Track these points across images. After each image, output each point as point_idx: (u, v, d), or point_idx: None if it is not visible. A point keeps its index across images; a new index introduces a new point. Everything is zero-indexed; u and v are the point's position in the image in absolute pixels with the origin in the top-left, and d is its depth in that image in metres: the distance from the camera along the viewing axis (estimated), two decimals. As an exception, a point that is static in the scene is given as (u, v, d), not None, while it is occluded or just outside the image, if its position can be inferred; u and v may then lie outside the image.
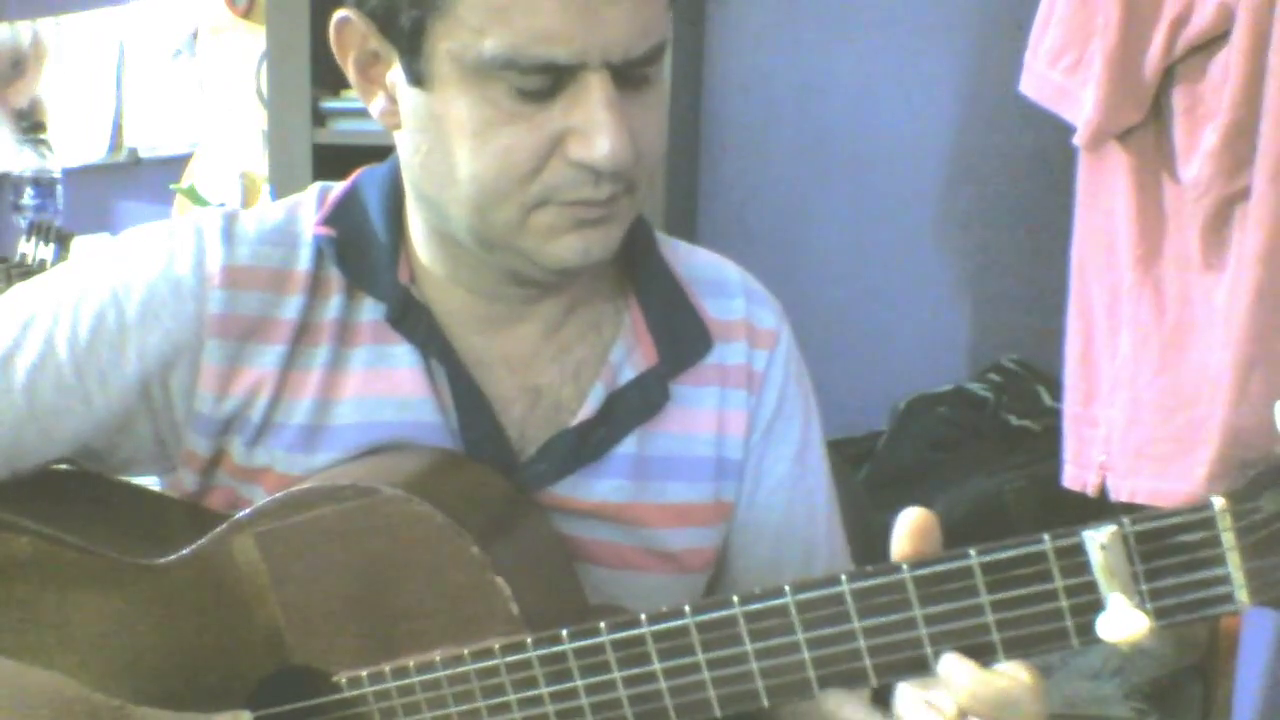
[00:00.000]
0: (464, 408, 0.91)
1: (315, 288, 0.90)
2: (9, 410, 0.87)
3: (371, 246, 0.91)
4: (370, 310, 0.91)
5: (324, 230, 0.91)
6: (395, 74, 0.84)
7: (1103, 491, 1.52)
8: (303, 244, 0.91)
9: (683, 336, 0.96)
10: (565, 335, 0.95)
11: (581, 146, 0.79)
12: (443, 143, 0.82)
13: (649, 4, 0.79)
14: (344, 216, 0.92)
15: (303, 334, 0.90)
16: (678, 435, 0.96)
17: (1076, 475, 1.56)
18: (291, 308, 0.89)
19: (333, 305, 0.91)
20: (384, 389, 0.90)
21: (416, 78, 0.81)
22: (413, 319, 0.90)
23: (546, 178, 0.81)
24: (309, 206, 0.94)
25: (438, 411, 0.91)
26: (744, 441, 0.98)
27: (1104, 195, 1.50)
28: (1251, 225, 1.31)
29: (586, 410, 0.93)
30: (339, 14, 0.84)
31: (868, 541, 1.91)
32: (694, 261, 1.02)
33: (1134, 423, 1.47)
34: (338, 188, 0.95)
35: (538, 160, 0.80)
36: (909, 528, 0.68)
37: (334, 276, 0.91)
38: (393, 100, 0.85)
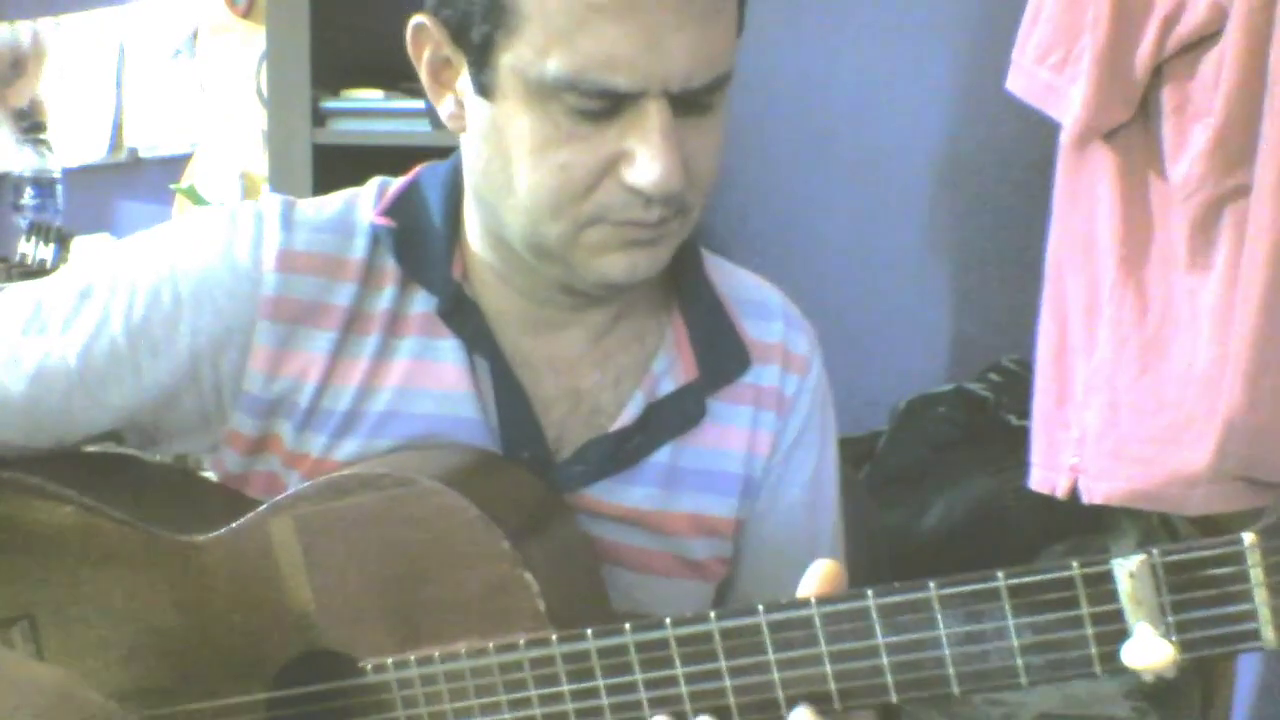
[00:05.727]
0: (505, 405, 0.92)
1: (369, 276, 0.92)
2: (61, 375, 0.89)
3: (428, 240, 0.93)
4: (422, 302, 0.92)
5: (384, 221, 0.93)
6: (464, 81, 0.85)
7: (1073, 494, 1.50)
8: (359, 233, 0.93)
9: (722, 354, 0.98)
10: (609, 342, 0.96)
11: (633, 171, 0.81)
12: (503, 153, 0.83)
13: (715, 37, 0.81)
14: (404, 209, 0.94)
15: (354, 321, 0.91)
16: (710, 450, 0.97)
17: (1045, 478, 1.54)
18: (345, 294, 0.91)
19: (385, 295, 0.92)
20: (427, 381, 0.92)
21: (482, 88, 0.83)
22: (462, 314, 0.92)
23: (599, 197, 0.83)
24: (367, 198, 0.95)
25: (478, 407, 0.92)
26: (766, 463, 1.00)
27: (1084, 194, 1.49)
28: (1256, 227, 1.30)
29: (626, 417, 0.94)
30: (415, 19, 0.86)
31: (868, 542, 1.91)
32: (737, 282, 1.03)
33: (1111, 424, 1.46)
34: (398, 182, 0.97)
35: (592, 179, 0.82)
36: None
37: (388, 267, 0.92)
38: (460, 105, 0.87)
